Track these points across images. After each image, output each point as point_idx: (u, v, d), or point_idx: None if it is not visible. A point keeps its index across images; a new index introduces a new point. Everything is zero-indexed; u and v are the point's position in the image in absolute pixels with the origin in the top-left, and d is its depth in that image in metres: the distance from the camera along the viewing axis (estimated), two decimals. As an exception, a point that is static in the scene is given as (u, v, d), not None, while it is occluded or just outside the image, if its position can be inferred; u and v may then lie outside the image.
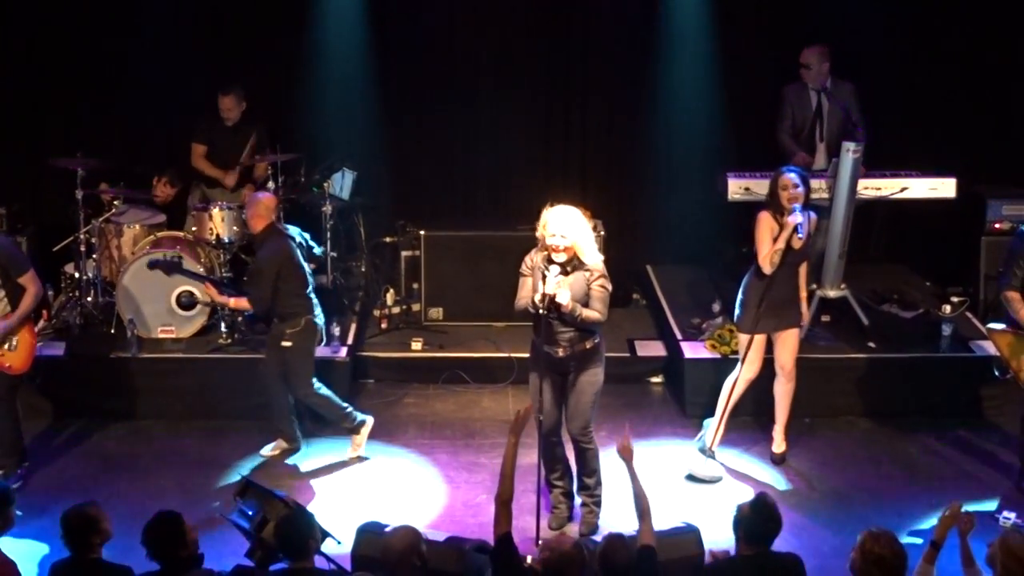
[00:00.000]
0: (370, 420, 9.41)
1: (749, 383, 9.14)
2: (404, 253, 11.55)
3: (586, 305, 7.93)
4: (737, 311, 9.11)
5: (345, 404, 9.36)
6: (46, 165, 10.71)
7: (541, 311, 7.84)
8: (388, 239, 11.81)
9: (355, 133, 12.05)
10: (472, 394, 10.51)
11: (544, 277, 7.84)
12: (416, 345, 10.86)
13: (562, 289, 7.81)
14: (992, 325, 9.01)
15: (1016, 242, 8.74)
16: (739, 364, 9.04)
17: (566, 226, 7.92)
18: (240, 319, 10.11)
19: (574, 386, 8.18)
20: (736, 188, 10.41)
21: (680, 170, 11.98)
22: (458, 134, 12.24)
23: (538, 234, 8.06)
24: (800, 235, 8.72)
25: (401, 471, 9.30)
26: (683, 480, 9.10)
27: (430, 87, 12.05)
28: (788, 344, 9.10)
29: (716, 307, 10.63)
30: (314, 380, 9.25)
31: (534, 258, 8.06)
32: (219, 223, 10.44)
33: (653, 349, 10.97)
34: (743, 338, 9.03)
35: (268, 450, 9.43)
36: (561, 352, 8.05)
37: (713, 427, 9.19)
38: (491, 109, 12.19)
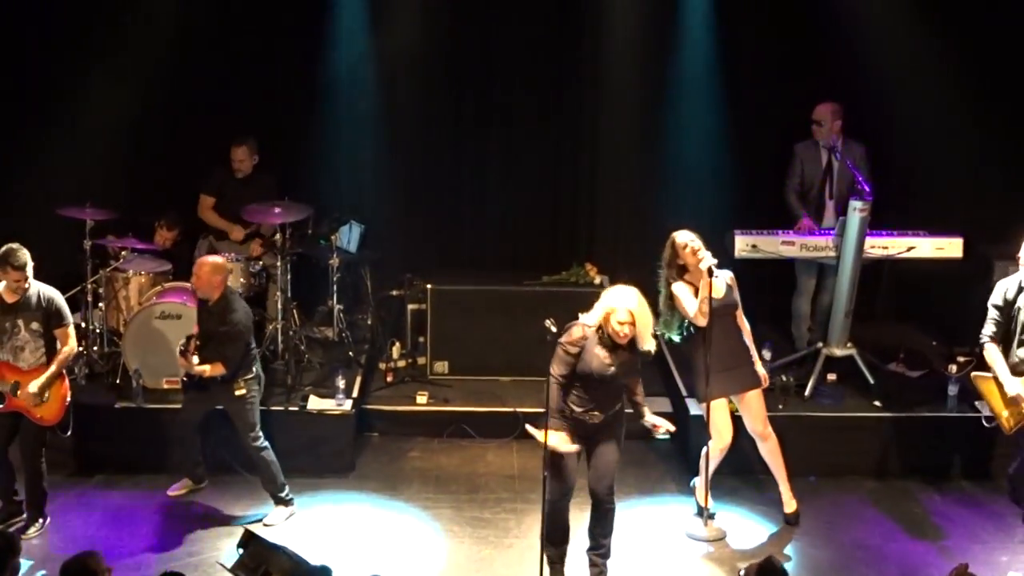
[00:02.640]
0: (295, 507, 9.38)
1: (724, 451, 9.11)
2: (410, 307, 11.56)
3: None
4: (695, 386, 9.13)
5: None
6: (54, 215, 10.72)
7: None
8: (395, 292, 11.81)
9: (363, 187, 12.14)
10: (477, 448, 10.48)
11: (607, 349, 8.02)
12: (421, 399, 10.85)
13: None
14: (977, 373, 9.01)
15: (995, 296, 8.75)
16: (714, 434, 9.03)
17: (636, 314, 8.01)
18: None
19: (602, 448, 8.22)
20: (743, 245, 10.43)
21: (687, 225, 11.92)
22: (466, 190, 12.29)
23: (598, 315, 8.08)
24: (716, 275, 8.74)
25: (405, 525, 9.26)
26: (686, 539, 9.07)
27: (438, 143, 12.13)
28: (752, 409, 9.10)
29: (722, 364, 10.59)
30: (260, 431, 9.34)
31: (584, 333, 8.06)
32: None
33: (658, 405, 10.77)
34: (709, 409, 8.99)
35: (176, 490, 9.55)
36: (600, 419, 8.12)
37: (700, 492, 9.18)
38: (499, 166, 12.25)
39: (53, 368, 8.89)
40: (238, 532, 8.02)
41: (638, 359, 8.19)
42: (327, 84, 11.93)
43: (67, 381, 9.10)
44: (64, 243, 10.85)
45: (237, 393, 9.14)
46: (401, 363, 11.38)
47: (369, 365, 11.30)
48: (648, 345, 8.15)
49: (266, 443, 9.29)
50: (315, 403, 10.27)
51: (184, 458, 9.57)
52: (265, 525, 9.11)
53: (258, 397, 9.33)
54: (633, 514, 9.41)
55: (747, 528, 9.23)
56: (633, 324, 7.97)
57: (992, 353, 8.67)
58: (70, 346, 9.00)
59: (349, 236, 11.66)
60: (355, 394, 10.51)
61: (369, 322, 11.83)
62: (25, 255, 8.76)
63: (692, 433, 10.04)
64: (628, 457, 10.09)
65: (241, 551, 7.36)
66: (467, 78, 12.04)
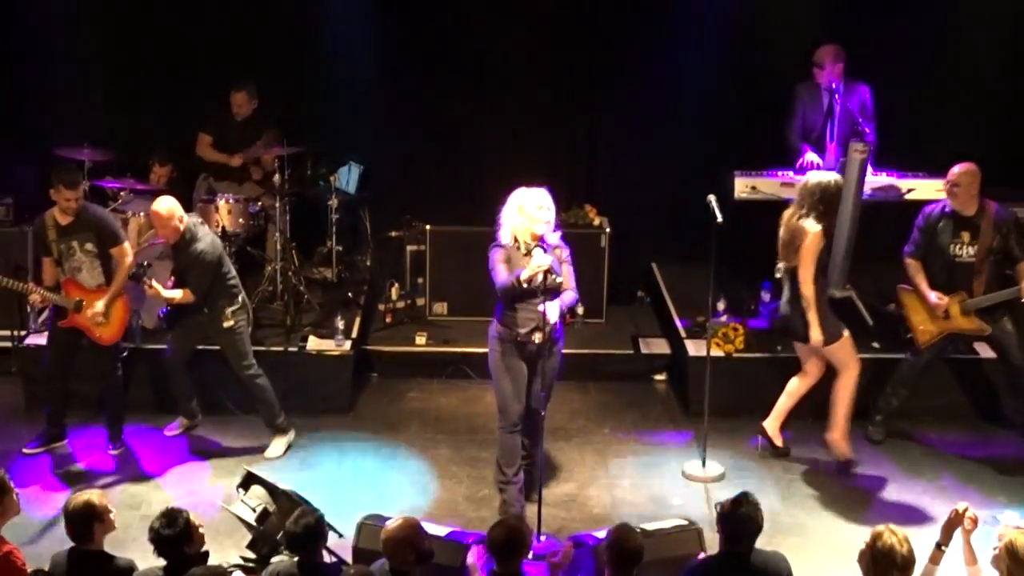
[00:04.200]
0: (293, 434, 9.54)
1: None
2: (409, 248, 11.60)
3: None
4: (813, 325, 8.90)
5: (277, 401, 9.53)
6: (53, 155, 10.70)
7: (540, 286, 8.03)
8: (393, 234, 11.83)
9: (362, 127, 12.07)
10: (476, 389, 10.50)
11: (529, 254, 8.15)
12: (420, 339, 10.90)
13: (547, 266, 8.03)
14: (902, 285, 9.50)
15: (919, 218, 9.41)
16: (846, 368, 9.04)
17: (549, 203, 8.23)
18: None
19: (542, 369, 8.38)
20: (743, 187, 10.40)
21: (688, 168, 11.84)
22: (466, 130, 12.19)
23: (508, 215, 8.34)
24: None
25: (404, 465, 9.32)
26: (684, 479, 9.13)
27: (438, 83, 12.03)
28: (849, 342, 9.14)
29: (721, 305, 10.61)
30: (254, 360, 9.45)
31: (506, 245, 8.31)
32: (225, 215, 10.49)
33: (657, 347, 11.02)
34: (841, 345, 8.97)
35: (172, 430, 9.65)
36: (540, 338, 8.20)
37: (776, 423, 9.33)
38: (499, 105, 12.14)
39: (115, 286, 9.12)
40: (237, 471, 8.10)
41: (560, 259, 8.25)
42: (326, 23, 11.84)
43: (128, 302, 9.34)
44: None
45: (225, 325, 9.22)
46: (400, 304, 11.40)
47: (368, 306, 11.31)
48: (554, 238, 8.29)
49: (260, 370, 9.38)
50: (314, 344, 10.32)
51: (176, 395, 9.65)
52: (266, 458, 9.24)
53: (247, 327, 9.38)
54: (631, 454, 9.50)
55: (746, 470, 9.27)
56: (551, 210, 8.20)
57: (912, 268, 9.39)
58: (126, 264, 9.17)
59: (348, 177, 11.64)
60: (354, 335, 10.54)
61: (368, 263, 11.85)
62: (79, 176, 9.00)
63: (691, 375, 10.10)
64: (626, 397, 10.29)
65: (241, 491, 7.42)
66: (467, 17, 11.96)
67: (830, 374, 9.23)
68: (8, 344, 10.25)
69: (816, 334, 8.85)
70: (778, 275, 9.08)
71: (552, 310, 8.07)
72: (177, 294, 9.15)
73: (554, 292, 8.07)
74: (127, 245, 9.27)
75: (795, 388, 9.28)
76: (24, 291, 9.14)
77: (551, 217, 8.23)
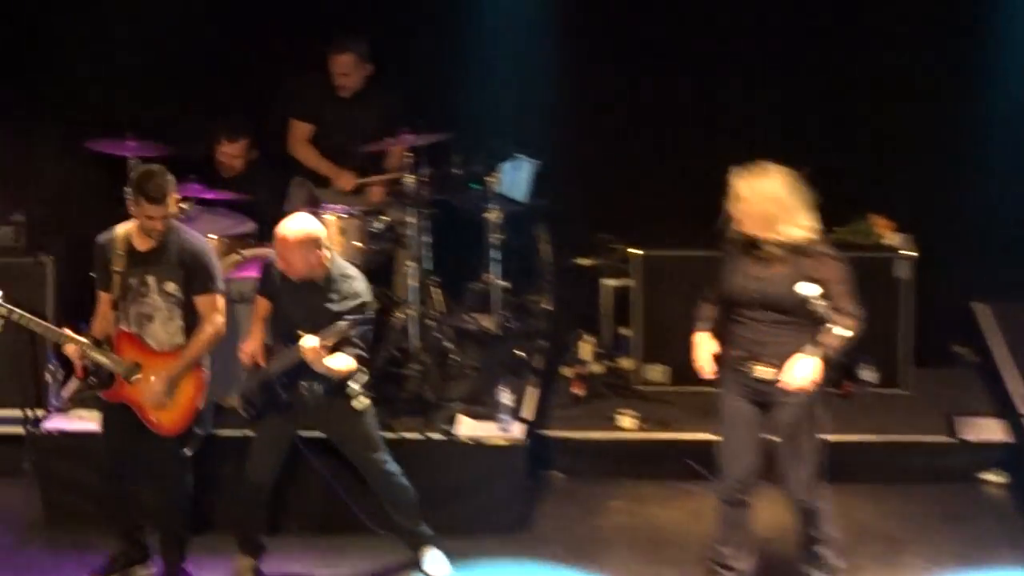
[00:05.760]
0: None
1: None
2: (608, 283, 11.73)
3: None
4: None
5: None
6: (82, 151, 10.77)
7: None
8: (584, 262, 11.94)
9: (533, 106, 12.14)
10: (712, 496, 10.26)
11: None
12: (627, 421, 10.88)
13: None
14: None
15: None
16: None
17: (748, 195, 8.53)
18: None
19: (784, 424, 8.47)
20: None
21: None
22: (685, 109, 12.29)
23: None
24: None
25: (604, 613, 9.26)
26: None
27: (644, 42, 12.14)
28: None
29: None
30: None
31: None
32: (335, 237, 10.46)
33: (987, 431, 10.89)
34: None
35: None
36: (768, 375, 8.40)
37: None
38: (732, 75, 12.24)
39: (191, 351, 9.11)
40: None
41: (812, 271, 8.32)
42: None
43: (204, 375, 9.25)
44: (94, 192, 10.90)
45: (358, 407, 9.19)
46: (596, 368, 11.52)
47: (548, 371, 11.42)
48: (794, 231, 8.36)
49: (395, 464, 9.44)
50: (468, 428, 10.34)
51: (245, 521, 9.57)
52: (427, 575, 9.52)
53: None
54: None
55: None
56: (746, 212, 8.47)
57: None
58: (215, 323, 9.16)
59: (514, 177, 11.67)
60: (528, 415, 10.56)
61: (545, 306, 11.87)
62: (169, 184, 8.94)
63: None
64: (941, 507, 10.44)
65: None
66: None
67: None
68: (19, 429, 10.30)
69: None
70: None
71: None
72: (344, 364, 9.01)
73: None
74: (220, 299, 9.19)
75: None
76: (59, 340, 9.10)
77: (739, 211, 8.52)
